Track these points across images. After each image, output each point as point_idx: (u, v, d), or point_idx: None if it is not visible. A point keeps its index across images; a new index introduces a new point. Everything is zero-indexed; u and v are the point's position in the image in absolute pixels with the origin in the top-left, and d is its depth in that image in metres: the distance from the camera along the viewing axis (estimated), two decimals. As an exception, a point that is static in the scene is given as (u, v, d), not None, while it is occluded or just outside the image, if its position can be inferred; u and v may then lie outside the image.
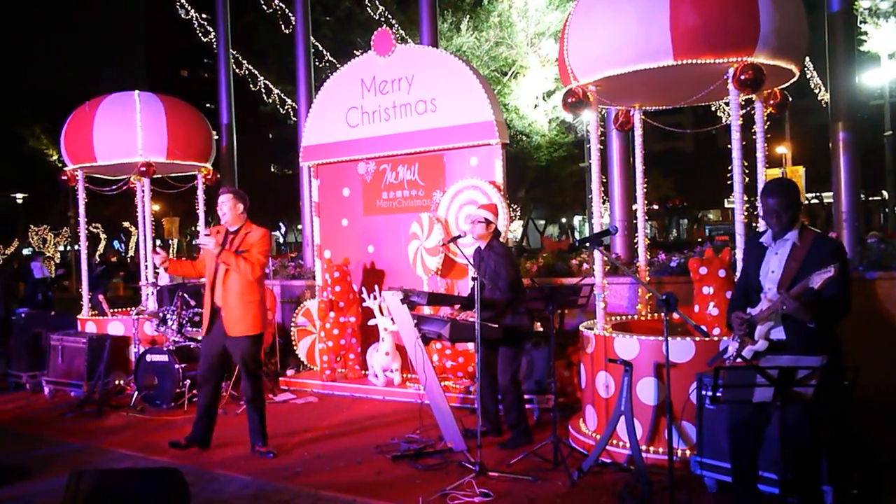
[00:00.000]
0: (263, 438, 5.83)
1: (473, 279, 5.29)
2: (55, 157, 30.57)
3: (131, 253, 34.04)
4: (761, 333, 3.87)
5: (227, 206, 5.83)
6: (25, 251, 33.37)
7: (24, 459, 5.83)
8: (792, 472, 3.74)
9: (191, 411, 7.27)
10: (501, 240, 6.17)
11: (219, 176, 10.06)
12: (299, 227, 14.26)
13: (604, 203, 6.13)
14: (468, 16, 18.12)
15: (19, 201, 33.85)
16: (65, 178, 9.23)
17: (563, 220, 43.86)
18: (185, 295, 7.89)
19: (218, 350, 5.83)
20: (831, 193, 8.19)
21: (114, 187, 9.70)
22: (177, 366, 7.44)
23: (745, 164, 5.28)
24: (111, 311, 9.41)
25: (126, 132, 8.73)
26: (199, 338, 7.80)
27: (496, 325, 5.55)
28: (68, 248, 33.65)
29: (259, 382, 5.88)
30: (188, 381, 7.46)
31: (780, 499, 3.86)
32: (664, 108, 6.44)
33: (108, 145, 8.77)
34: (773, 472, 4.04)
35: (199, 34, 14.85)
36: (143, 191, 9.37)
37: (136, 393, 7.61)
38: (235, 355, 5.79)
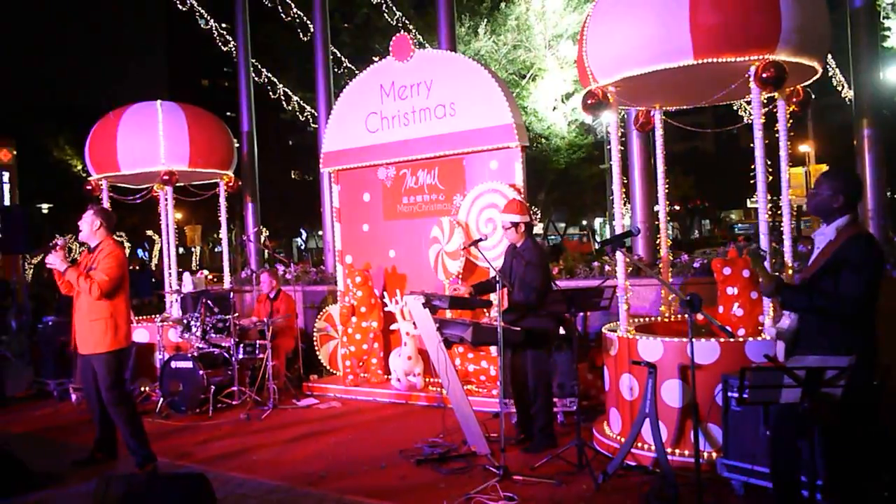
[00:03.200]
0: (132, 451, 5.66)
1: (496, 281, 5.28)
2: (79, 168, 30.94)
3: (155, 261, 34.38)
4: None
5: (86, 222, 5.72)
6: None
7: (53, 465, 5.89)
8: (828, 474, 3.67)
9: (216, 417, 7.36)
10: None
11: (240, 183, 10.14)
12: (320, 232, 14.32)
13: (625, 204, 6.09)
14: (486, 20, 18.14)
15: (44, 211, 34.33)
16: (89, 187, 9.36)
17: (584, 222, 43.73)
18: (209, 302, 7.96)
19: (88, 364, 5.76)
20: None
21: (137, 196, 9.80)
22: (201, 372, 7.50)
23: (768, 162, 5.23)
24: (136, 318, 9.50)
25: (149, 141, 8.84)
26: (224, 344, 7.88)
27: (518, 329, 5.53)
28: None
29: (116, 396, 5.63)
30: (213, 388, 7.54)
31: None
32: (685, 107, 6.39)
33: (132, 155, 8.87)
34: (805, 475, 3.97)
35: (220, 44, 14.99)
36: (166, 199, 9.48)
37: (162, 399, 7.68)
38: (95, 371, 5.69)
